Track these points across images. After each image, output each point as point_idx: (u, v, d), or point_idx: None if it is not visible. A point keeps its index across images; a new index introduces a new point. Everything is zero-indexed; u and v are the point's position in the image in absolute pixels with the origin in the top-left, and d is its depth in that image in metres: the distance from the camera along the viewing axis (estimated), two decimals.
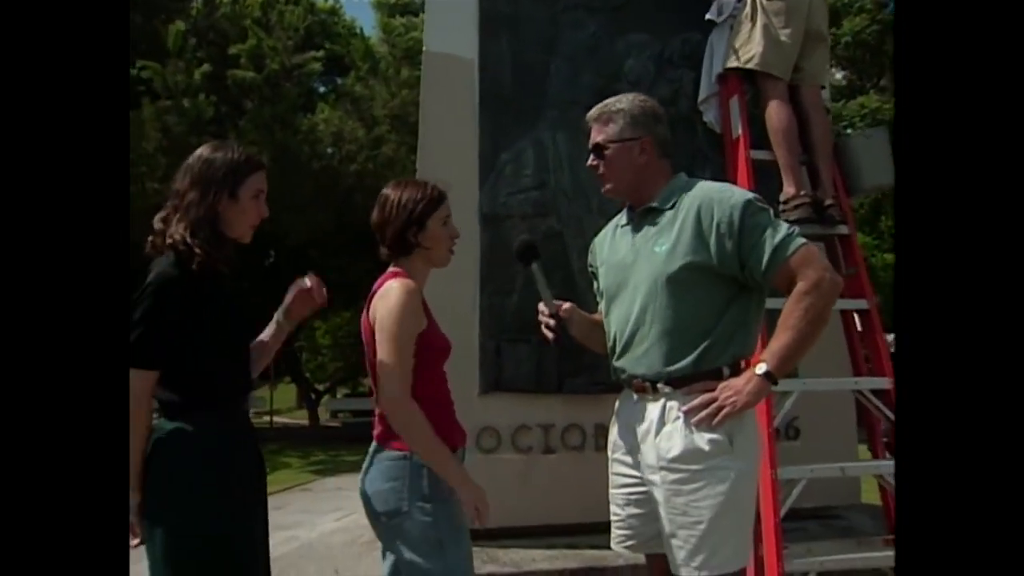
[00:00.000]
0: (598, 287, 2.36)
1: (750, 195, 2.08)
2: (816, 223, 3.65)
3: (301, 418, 21.42)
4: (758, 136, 3.75)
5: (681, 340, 2.06)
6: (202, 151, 2.15)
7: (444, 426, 2.11)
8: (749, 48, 3.74)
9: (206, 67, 12.02)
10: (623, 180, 2.19)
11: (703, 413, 2.01)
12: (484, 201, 3.87)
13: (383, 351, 2.05)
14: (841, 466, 3.45)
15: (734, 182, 3.75)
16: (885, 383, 3.50)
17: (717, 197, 2.07)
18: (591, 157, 2.22)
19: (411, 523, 2.03)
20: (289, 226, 12.85)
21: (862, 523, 4.08)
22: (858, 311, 3.72)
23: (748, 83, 3.85)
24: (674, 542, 2.05)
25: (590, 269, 2.43)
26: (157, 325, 1.94)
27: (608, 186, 2.22)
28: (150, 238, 2.06)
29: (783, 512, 3.24)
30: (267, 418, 19.34)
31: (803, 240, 2.04)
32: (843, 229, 3.73)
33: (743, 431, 2.05)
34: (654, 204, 2.16)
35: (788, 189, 3.65)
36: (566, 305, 2.31)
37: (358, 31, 15.02)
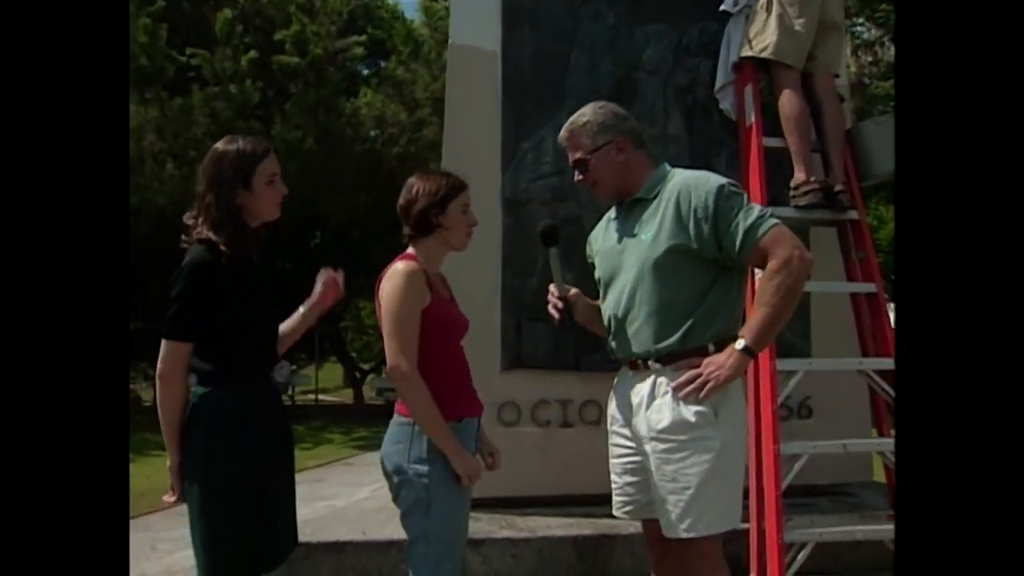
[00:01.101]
0: (597, 275, 2.52)
1: (724, 180, 2.23)
2: (826, 208, 3.76)
3: (346, 397, 21.92)
4: (772, 123, 3.86)
5: (668, 320, 2.23)
6: (213, 150, 2.30)
7: (451, 396, 2.31)
8: (764, 38, 3.84)
9: (252, 53, 12.35)
10: (610, 183, 2.36)
11: (690, 388, 2.18)
12: (506, 187, 4.06)
13: (386, 328, 2.28)
14: (843, 443, 3.58)
15: (747, 168, 3.88)
16: (890, 364, 3.62)
17: (694, 184, 2.23)
18: (576, 174, 2.40)
19: (407, 482, 2.27)
20: (332, 208, 13.18)
21: (873, 500, 4.19)
22: (867, 294, 3.83)
23: (763, 72, 3.96)
24: (665, 507, 2.22)
25: (589, 260, 2.59)
26: (189, 303, 2.18)
27: (599, 194, 2.41)
28: (183, 235, 2.26)
29: (785, 485, 3.38)
30: (312, 396, 19.82)
31: (774, 221, 2.19)
32: (853, 214, 3.83)
33: (727, 403, 2.22)
34: (639, 195, 2.33)
35: (799, 175, 3.76)
36: (573, 290, 2.46)
37: (400, 15, 15.20)
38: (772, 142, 3.85)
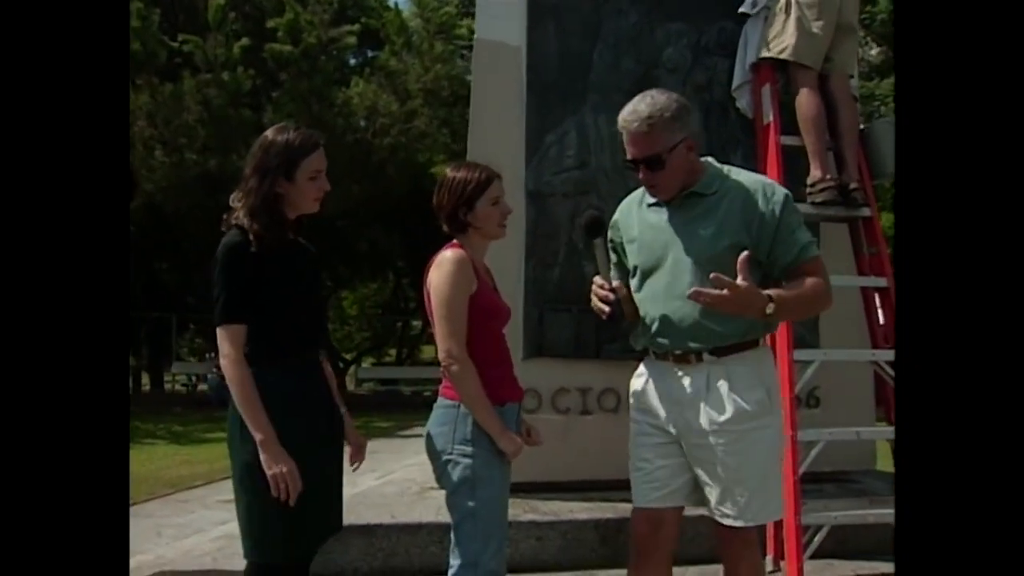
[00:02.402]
0: (618, 259, 2.48)
1: (787, 191, 2.30)
2: (840, 205, 3.89)
3: None
4: (788, 122, 3.99)
5: (726, 315, 2.19)
6: (264, 136, 2.35)
7: (494, 382, 2.39)
8: (782, 39, 3.96)
9: (245, 40, 12.31)
10: (676, 183, 2.30)
11: (708, 297, 2.08)
12: (530, 179, 4.15)
13: (437, 314, 2.37)
14: (856, 430, 3.73)
15: (764, 166, 4.00)
16: None
17: (762, 189, 2.27)
18: (643, 170, 2.28)
19: (452, 463, 2.36)
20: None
21: (876, 487, 4.34)
22: (878, 289, 3.97)
23: (780, 72, 4.08)
24: (731, 497, 2.25)
25: (610, 244, 2.49)
26: (233, 287, 2.24)
27: (662, 194, 2.32)
28: (224, 215, 2.32)
29: (801, 471, 3.53)
30: None
31: (818, 250, 2.31)
32: (866, 211, 3.97)
33: (776, 389, 2.32)
34: (696, 190, 2.31)
35: (815, 173, 3.89)
36: (616, 283, 2.38)
37: (392, 5, 15.19)
38: (789, 140, 3.97)
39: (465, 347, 2.35)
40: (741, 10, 4.19)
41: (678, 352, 2.32)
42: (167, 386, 20.15)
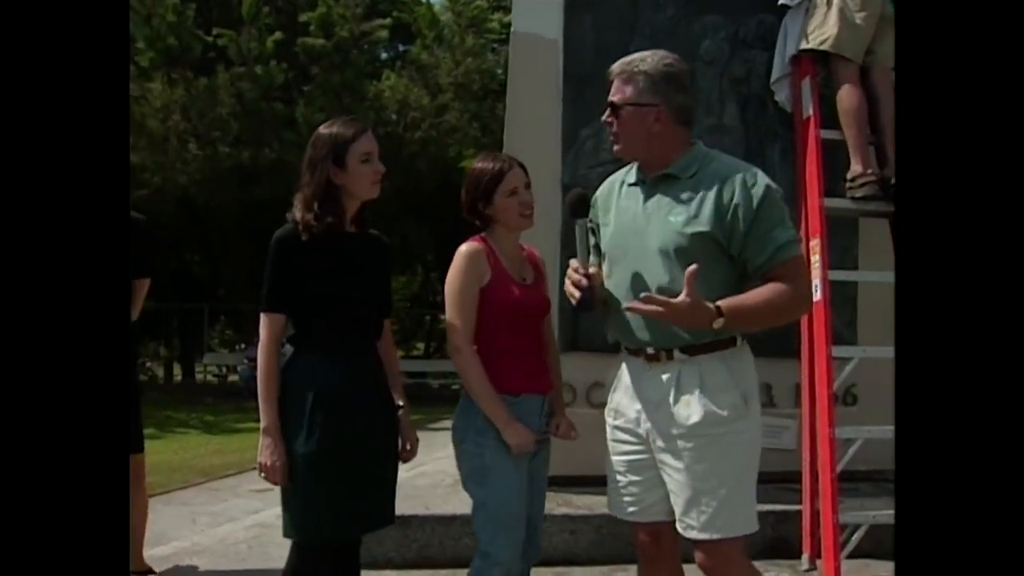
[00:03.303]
0: (594, 243, 2.31)
1: (771, 183, 2.08)
2: (881, 200, 3.83)
3: None
4: (828, 116, 3.94)
5: None
6: (316, 132, 2.43)
7: (511, 372, 2.42)
8: (824, 31, 3.91)
9: (278, 34, 12.40)
10: (635, 145, 2.16)
11: (644, 308, 1.94)
12: (566, 173, 4.14)
13: (447, 307, 2.43)
14: (894, 429, 3.67)
15: (803, 160, 3.96)
16: None
17: (740, 177, 2.05)
18: (607, 112, 2.18)
19: (467, 452, 2.42)
20: None
21: None
22: None
23: (820, 65, 4.02)
24: (697, 507, 2.06)
25: (589, 224, 2.31)
26: (274, 277, 2.34)
27: (618, 147, 2.19)
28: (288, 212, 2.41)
29: (839, 469, 3.49)
30: None
31: (800, 250, 2.12)
32: None
33: (754, 392, 2.11)
34: (670, 171, 2.12)
35: (856, 167, 3.83)
36: (593, 270, 2.22)
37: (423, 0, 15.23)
38: (829, 134, 3.92)
39: (469, 338, 2.40)
40: (781, 2, 4.13)
41: (648, 349, 2.14)
42: (198, 376, 20.39)
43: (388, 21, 13.41)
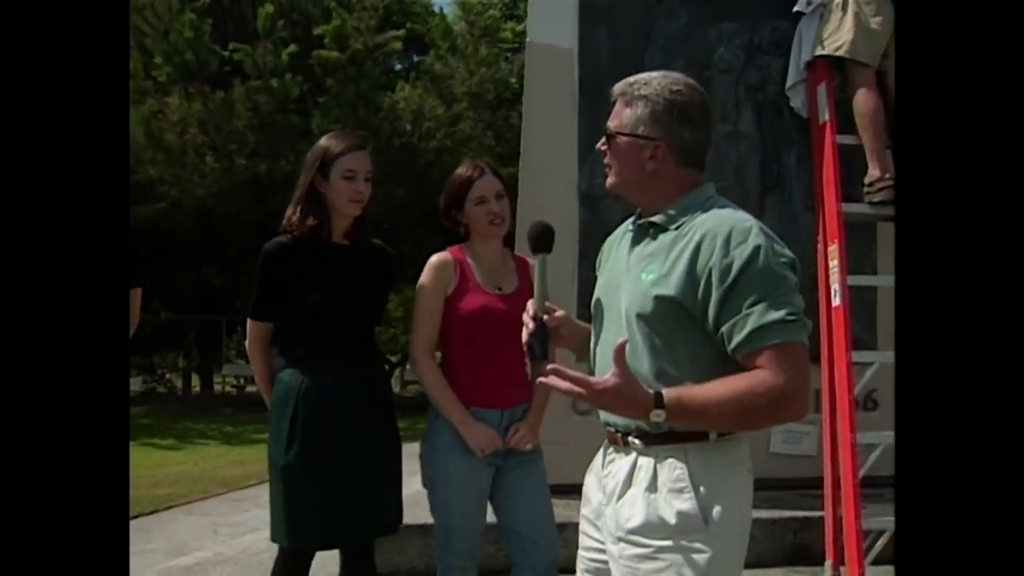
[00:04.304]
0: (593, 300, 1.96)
1: (765, 242, 1.61)
2: None
3: None
4: (843, 121, 3.95)
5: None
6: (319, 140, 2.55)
7: (456, 385, 2.47)
8: (839, 36, 3.91)
9: (292, 48, 12.48)
10: (627, 181, 1.78)
11: (557, 383, 1.56)
12: (582, 181, 4.17)
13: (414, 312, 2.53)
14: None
15: (820, 164, 3.96)
16: None
17: (725, 233, 1.62)
18: (603, 140, 1.82)
19: (422, 463, 2.54)
20: (369, 200, 13.36)
21: None
22: None
23: (836, 70, 4.03)
24: None
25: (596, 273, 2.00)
26: (260, 286, 2.46)
27: (610, 180, 1.82)
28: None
29: (861, 475, 3.48)
30: None
31: (799, 337, 1.59)
32: None
33: (723, 503, 1.63)
34: (655, 219, 1.73)
35: (873, 172, 3.83)
36: (558, 313, 1.87)
37: (437, 9, 15.31)
38: (845, 139, 3.92)
39: (426, 347, 2.49)
40: (796, 9, 4.14)
41: (608, 429, 1.77)
42: (217, 388, 20.50)
43: (402, 32, 13.44)
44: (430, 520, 3.68)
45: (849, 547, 3.37)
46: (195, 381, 21.10)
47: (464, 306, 2.47)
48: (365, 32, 12.77)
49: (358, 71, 12.68)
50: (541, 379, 1.58)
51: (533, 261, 1.95)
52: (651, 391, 1.56)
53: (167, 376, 21.42)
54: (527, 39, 4.40)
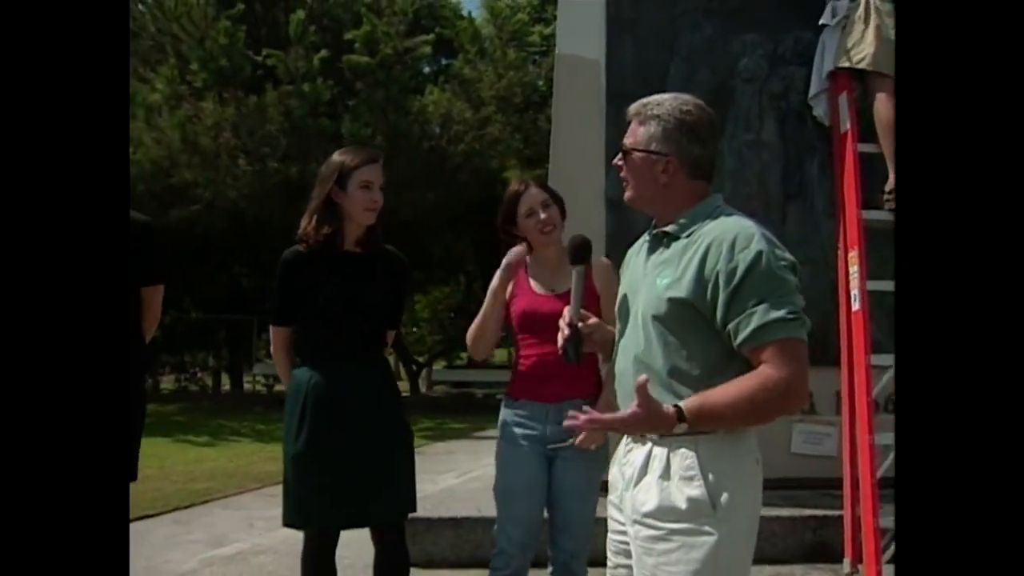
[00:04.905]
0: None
1: (767, 247, 1.77)
2: None
3: (402, 389, 22.27)
4: (865, 129, 4.04)
5: (671, 388, 1.81)
6: (331, 155, 2.71)
7: (512, 375, 2.75)
8: (861, 48, 4.01)
9: (324, 53, 12.69)
10: (642, 194, 1.94)
11: (580, 422, 1.79)
12: (610, 188, 4.29)
13: None
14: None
15: (842, 172, 4.06)
16: None
17: (730, 239, 1.78)
18: (618, 157, 1.98)
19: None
20: (398, 203, 13.54)
21: None
22: None
23: (857, 80, 4.12)
24: None
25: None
26: (278, 292, 2.65)
27: (627, 194, 1.98)
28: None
29: (879, 475, 3.57)
30: None
31: (799, 334, 1.74)
32: None
33: (731, 490, 1.77)
34: (668, 229, 1.90)
35: (893, 179, 3.92)
36: (592, 320, 2.03)
37: (466, 14, 15.45)
38: (866, 147, 4.01)
39: (475, 334, 2.75)
40: (821, 22, 4.24)
41: None
42: (247, 386, 20.81)
43: (431, 37, 13.62)
44: (462, 513, 3.88)
45: (867, 545, 3.46)
46: (225, 380, 21.44)
47: (514, 305, 2.71)
48: (395, 37, 12.95)
49: (388, 75, 12.87)
50: (566, 422, 1.81)
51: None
52: (672, 410, 1.72)
53: (199, 375, 21.75)
54: (556, 50, 4.55)
